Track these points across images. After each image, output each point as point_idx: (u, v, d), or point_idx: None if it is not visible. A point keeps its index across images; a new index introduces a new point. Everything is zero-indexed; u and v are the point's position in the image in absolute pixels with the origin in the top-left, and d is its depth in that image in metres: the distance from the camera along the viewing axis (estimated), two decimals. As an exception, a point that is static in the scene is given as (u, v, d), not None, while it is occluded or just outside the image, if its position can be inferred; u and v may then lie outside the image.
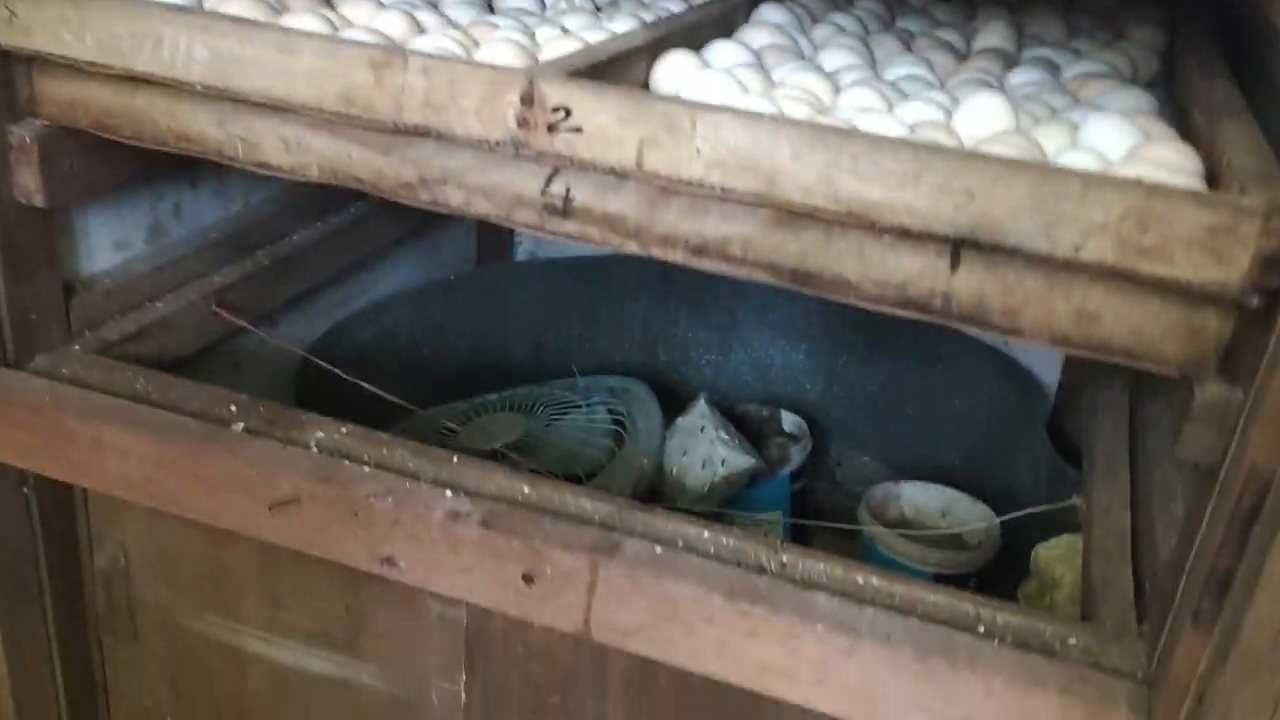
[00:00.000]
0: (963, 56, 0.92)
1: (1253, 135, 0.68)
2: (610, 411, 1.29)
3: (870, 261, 0.66)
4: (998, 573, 1.19)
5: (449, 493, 0.79)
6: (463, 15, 0.87)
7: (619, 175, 0.68)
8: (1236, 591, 0.58)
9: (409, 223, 1.39)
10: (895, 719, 0.70)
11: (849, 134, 0.62)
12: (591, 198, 0.70)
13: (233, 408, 0.86)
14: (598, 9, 0.94)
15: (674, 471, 1.31)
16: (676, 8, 0.92)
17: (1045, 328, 0.64)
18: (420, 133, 0.71)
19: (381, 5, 0.85)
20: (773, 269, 0.68)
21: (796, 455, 1.41)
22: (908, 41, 0.94)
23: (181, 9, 0.76)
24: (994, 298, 0.64)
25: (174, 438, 0.82)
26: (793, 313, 1.56)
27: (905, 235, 0.64)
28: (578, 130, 0.66)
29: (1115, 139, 0.67)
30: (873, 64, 0.86)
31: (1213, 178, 0.65)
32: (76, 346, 0.93)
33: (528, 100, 0.67)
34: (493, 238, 1.65)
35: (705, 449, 1.31)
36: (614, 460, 1.20)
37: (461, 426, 1.27)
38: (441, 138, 0.70)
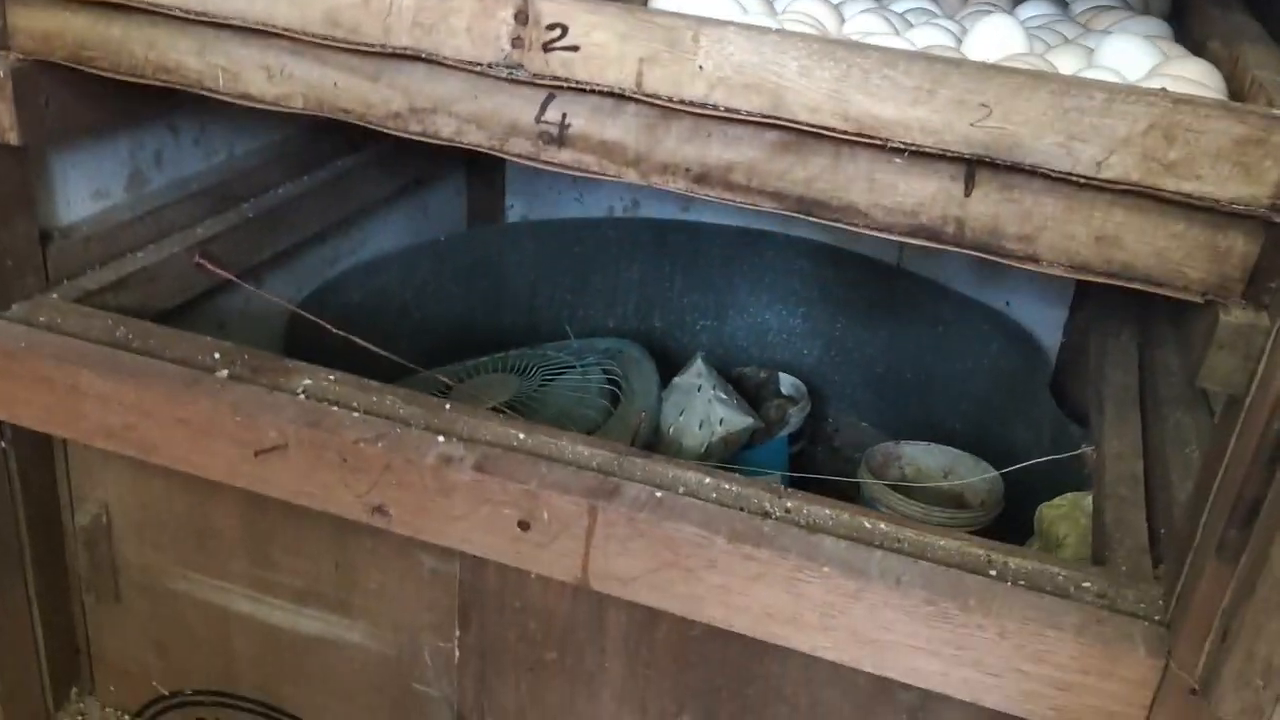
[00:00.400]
0: (969, -4, 0.90)
1: (1277, 55, 0.66)
2: (605, 372, 1.26)
3: (880, 187, 0.63)
4: (1000, 534, 1.17)
5: (441, 438, 0.76)
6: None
7: (617, 97, 0.65)
8: (1265, 519, 0.55)
9: (398, 180, 1.36)
10: (904, 665, 0.68)
11: (860, 47, 0.59)
12: (588, 124, 0.67)
13: (216, 355, 0.83)
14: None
15: (671, 431, 1.28)
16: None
17: (1063, 253, 0.61)
18: (409, 56, 0.68)
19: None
20: (778, 197, 0.66)
21: (795, 417, 1.38)
22: (912, -20, 0.92)
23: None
24: (1009, 222, 0.62)
25: (155, 383, 0.79)
26: (789, 276, 1.53)
27: (918, 157, 0.61)
28: (574, 49, 0.63)
29: (1134, 58, 0.64)
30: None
31: (1236, 98, 0.62)
32: (54, 295, 0.90)
33: (522, 17, 0.64)
34: (483, 199, 1.62)
35: (703, 408, 1.28)
36: (609, 420, 1.18)
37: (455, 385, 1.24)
38: (431, 61, 0.68)
